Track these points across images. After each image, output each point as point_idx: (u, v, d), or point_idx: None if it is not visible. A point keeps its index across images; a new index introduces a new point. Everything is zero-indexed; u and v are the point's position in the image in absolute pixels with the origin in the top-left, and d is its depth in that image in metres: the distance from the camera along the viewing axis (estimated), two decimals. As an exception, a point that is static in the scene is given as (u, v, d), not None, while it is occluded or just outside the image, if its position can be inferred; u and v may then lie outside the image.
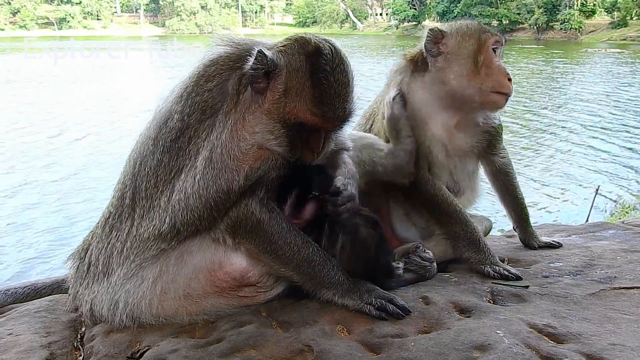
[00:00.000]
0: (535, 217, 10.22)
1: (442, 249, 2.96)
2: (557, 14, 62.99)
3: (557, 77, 32.39)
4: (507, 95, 2.87)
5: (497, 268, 2.79)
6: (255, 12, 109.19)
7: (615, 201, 11.61)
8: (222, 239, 2.34)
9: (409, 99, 2.93)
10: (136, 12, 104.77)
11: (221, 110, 2.30)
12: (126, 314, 2.34)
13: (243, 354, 2.09)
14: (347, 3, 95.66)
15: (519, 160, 15.11)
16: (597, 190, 10.45)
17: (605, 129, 19.22)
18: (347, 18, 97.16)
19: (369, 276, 2.46)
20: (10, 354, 2.22)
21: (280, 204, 2.41)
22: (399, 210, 3.08)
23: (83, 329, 2.52)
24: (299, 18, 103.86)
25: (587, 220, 8.13)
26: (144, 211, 2.35)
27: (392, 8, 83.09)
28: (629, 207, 10.44)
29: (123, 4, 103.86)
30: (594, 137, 18.06)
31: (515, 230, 3.37)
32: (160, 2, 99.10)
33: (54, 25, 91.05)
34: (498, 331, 2.13)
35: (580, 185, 13.53)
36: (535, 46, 53.63)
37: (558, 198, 12.62)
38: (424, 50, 2.93)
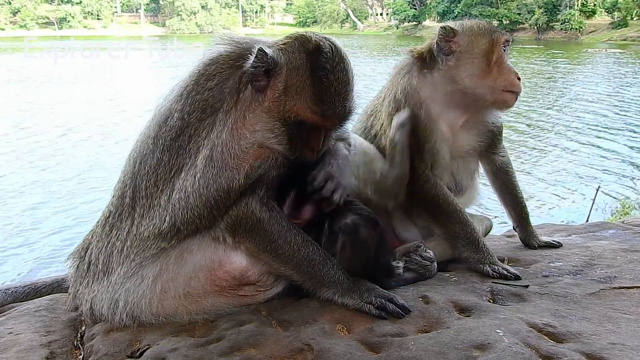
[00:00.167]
0: (541, 217, 10.22)
1: (442, 249, 2.96)
2: (558, 14, 62.89)
3: (558, 77, 32.35)
4: (517, 94, 2.87)
5: (495, 267, 2.79)
6: (256, 12, 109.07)
7: (618, 199, 11.59)
8: (222, 238, 2.34)
9: (418, 97, 2.90)
10: (136, 11, 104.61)
11: (221, 108, 2.30)
12: (126, 312, 2.34)
13: (243, 353, 2.09)
14: (347, 3, 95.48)
15: (526, 160, 15.11)
16: (597, 190, 10.45)
17: (609, 128, 19.17)
18: (347, 18, 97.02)
19: (369, 276, 2.45)
20: (10, 353, 2.22)
21: (280, 203, 2.41)
22: (399, 209, 3.07)
23: (83, 328, 2.52)
24: (299, 18, 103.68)
25: (587, 220, 8.14)
26: (144, 210, 2.35)
27: (393, 8, 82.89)
28: (629, 206, 10.42)
29: (123, 4, 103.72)
30: (598, 137, 18.02)
31: (515, 229, 3.37)
32: (161, 2, 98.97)
33: (54, 25, 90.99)
34: (498, 330, 2.13)
35: (582, 183, 13.53)
36: (536, 46, 53.48)
37: (565, 198, 12.61)
38: (434, 48, 2.90)
